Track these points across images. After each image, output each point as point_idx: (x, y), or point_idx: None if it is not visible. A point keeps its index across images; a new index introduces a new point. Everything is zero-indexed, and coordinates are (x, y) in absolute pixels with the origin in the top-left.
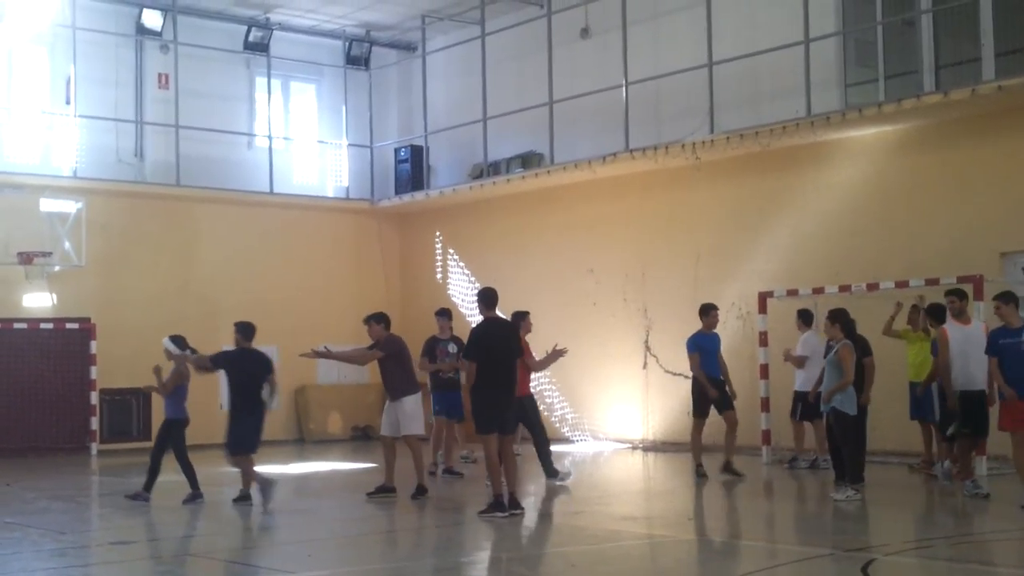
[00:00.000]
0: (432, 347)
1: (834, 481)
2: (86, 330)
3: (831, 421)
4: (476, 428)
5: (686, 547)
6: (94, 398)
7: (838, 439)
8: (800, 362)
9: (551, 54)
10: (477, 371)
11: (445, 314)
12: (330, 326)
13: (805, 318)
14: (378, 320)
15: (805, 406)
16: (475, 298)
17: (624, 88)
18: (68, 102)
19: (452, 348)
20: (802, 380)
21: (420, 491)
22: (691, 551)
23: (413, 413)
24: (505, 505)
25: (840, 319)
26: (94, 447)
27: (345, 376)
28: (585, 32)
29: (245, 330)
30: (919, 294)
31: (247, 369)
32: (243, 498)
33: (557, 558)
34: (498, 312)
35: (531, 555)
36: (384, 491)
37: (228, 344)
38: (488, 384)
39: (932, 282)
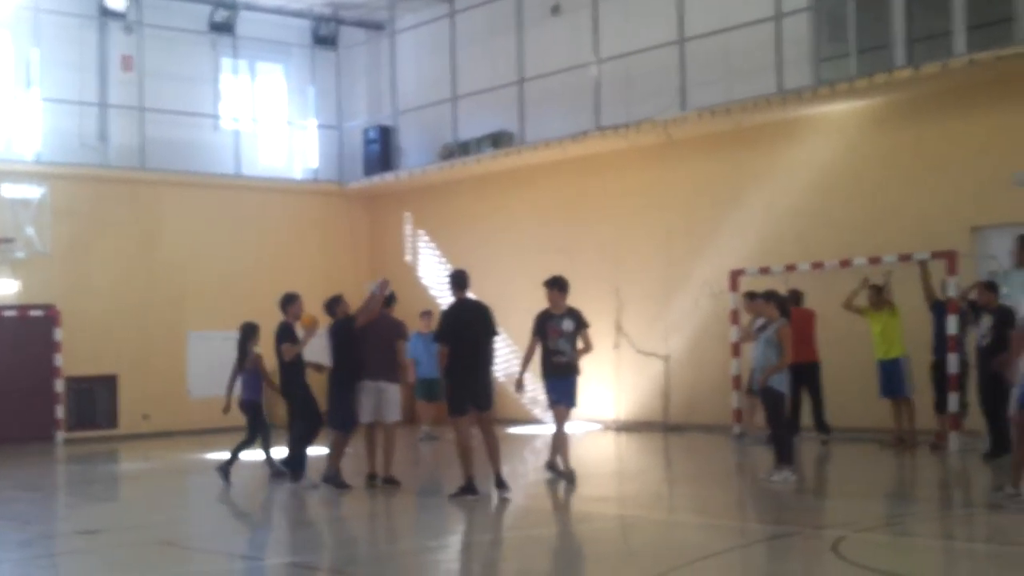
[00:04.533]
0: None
1: (775, 463)
2: (51, 317)
3: (765, 400)
4: (448, 410)
5: (657, 527)
6: (59, 386)
7: (771, 419)
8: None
9: (521, 32)
10: (449, 353)
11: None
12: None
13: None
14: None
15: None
16: (447, 280)
17: (595, 66)
18: (30, 85)
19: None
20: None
21: (391, 482)
22: (663, 531)
23: (396, 399)
24: (476, 487)
25: (775, 298)
26: (59, 436)
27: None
28: (556, 10)
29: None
30: (886, 269)
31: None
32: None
33: (528, 540)
34: (469, 294)
35: (501, 537)
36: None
37: (200, 328)
38: (458, 366)
39: (905, 258)
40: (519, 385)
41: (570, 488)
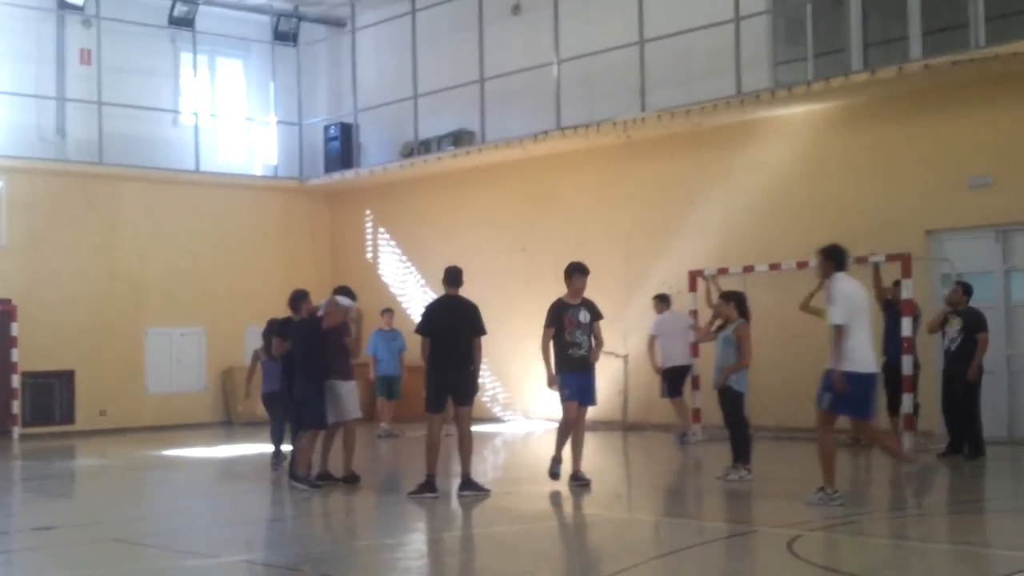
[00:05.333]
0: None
1: (732, 462)
2: (7, 312)
3: (724, 399)
4: (425, 404)
5: (615, 526)
6: (15, 381)
7: (730, 418)
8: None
9: (482, 31)
10: (428, 348)
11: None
12: (256, 306)
13: (664, 300)
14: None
15: (670, 383)
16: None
17: (556, 66)
18: None
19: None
20: (667, 357)
21: (353, 478)
22: (620, 529)
23: (354, 396)
24: (435, 486)
25: (735, 298)
26: (16, 431)
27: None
28: (516, 9)
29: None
30: None
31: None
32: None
33: (485, 538)
34: (459, 291)
35: (458, 535)
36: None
37: (158, 325)
38: (436, 361)
39: (860, 260)
40: (552, 381)
41: (582, 493)
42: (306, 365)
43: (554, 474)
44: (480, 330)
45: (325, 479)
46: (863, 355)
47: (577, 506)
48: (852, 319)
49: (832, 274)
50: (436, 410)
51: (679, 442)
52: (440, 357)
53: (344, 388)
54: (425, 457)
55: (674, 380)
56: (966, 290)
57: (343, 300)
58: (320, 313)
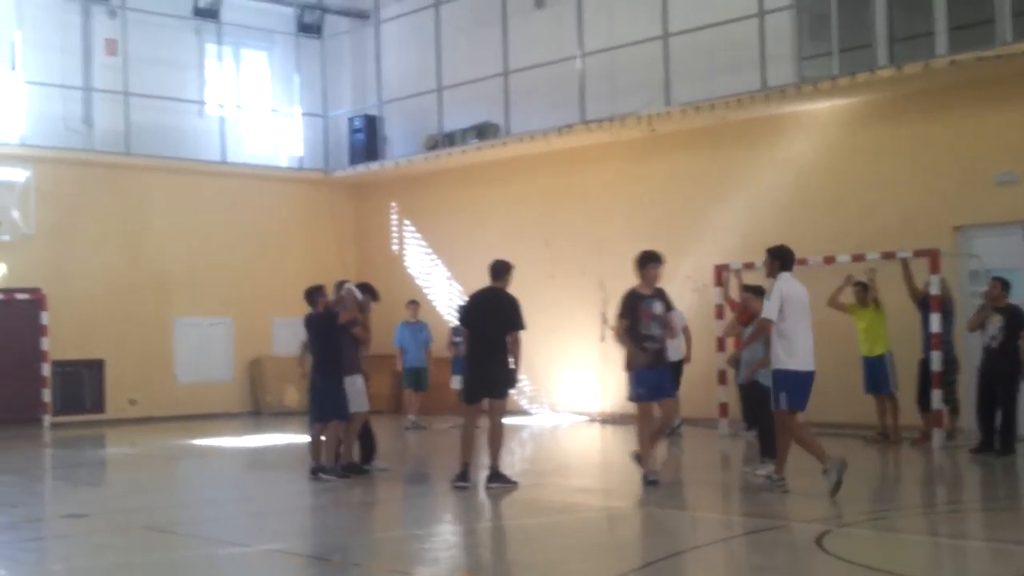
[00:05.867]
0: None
1: (760, 456)
2: (36, 301)
3: (751, 394)
4: (461, 396)
5: (643, 519)
6: (46, 370)
7: (758, 413)
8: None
9: (506, 24)
10: (467, 339)
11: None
12: (283, 297)
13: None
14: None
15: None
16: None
17: (579, 59)
18: (14, 68)
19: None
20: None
21: (352, 468)
22: (648, 523)
23: (361, 390)
24: (468, 475)
25: (760, 293)
26: (46, 419)
27: None
28: (540, 2)
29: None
30: (871, 267)
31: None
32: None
33: (514, 530)
34: (501, 284)
35: (487, 527)
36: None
37: (186, 314)
38: (472, 354)
39: (888, 256)
40: (632, 364)
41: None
42: (325, 358)
43: (651, 482)
44: (517, 325)
45: (351, 470)
46: (804, 355)
47: (604, 499)
48: (794, 319)
49: (777, 273)
50: (470, 401)
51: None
52: (475, 350)
53: (351, 382)
54: (460, 448)
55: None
56: (1004, 285)
57: (357, 293)
58: (335, 298)
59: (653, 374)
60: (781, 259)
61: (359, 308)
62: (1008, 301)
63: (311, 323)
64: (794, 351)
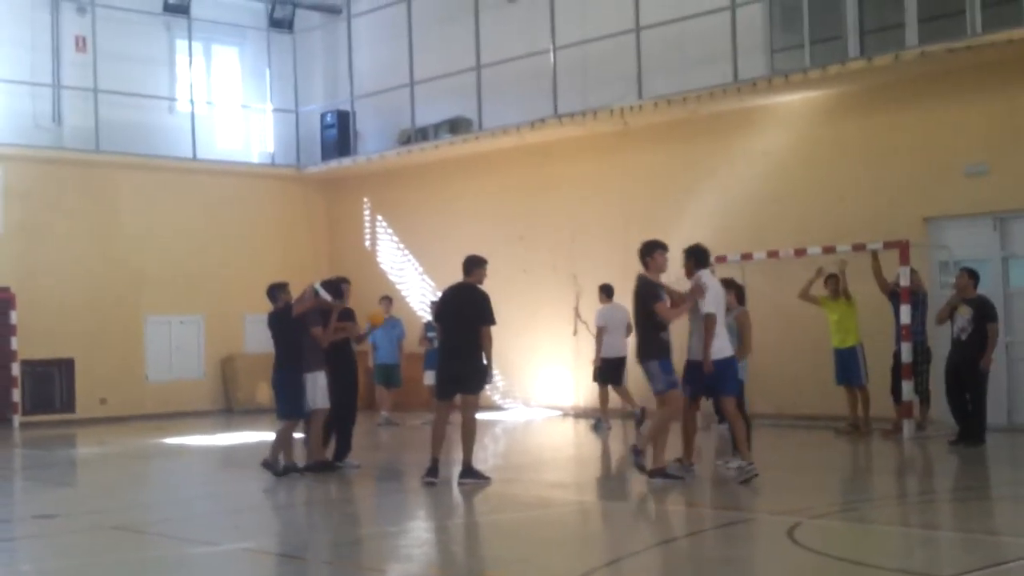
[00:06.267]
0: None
1: (732, 450)
2: (6, 300)
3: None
4: (433, 391)
5: (615, 513)
6: (15, 369)
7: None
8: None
9: (478, 18)
10: (438, 335)
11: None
12: (255, 294)
13: (607, 291)
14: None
15: (605, 371)
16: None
17: (552, 53)
18: None
19: None
20: (605, 348)
21: (321, 466)
22: (620, 517)
23: (322, 386)
24: (437, 471)
25: (734, 286)
26: (16, 419)
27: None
28: None
29: None
30: (842, 259)
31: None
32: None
33: (488, 526)
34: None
35: (460, 523)
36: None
37: (157, 312)
38: (443, 349)
39: (859, 247)
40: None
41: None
42: (285, 355)
43: (676, 477)
44: (487, 320)
45: (319, 467)
46: (723, 343)
47: (577, 494)
48: (720, 313)
49: (695, 272)
50: (442, 397)
51: (596, 427)
52: (446, 345)
53: (315, 379)
54: (431, 443)
55: (615, 371)
56: (971, 275)
57: (321, 291)
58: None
59: (671, 364)
60: (697, 257)
61: (329, 309)
62: (977, 292)
63: (271, 320)
64: (720, 340)
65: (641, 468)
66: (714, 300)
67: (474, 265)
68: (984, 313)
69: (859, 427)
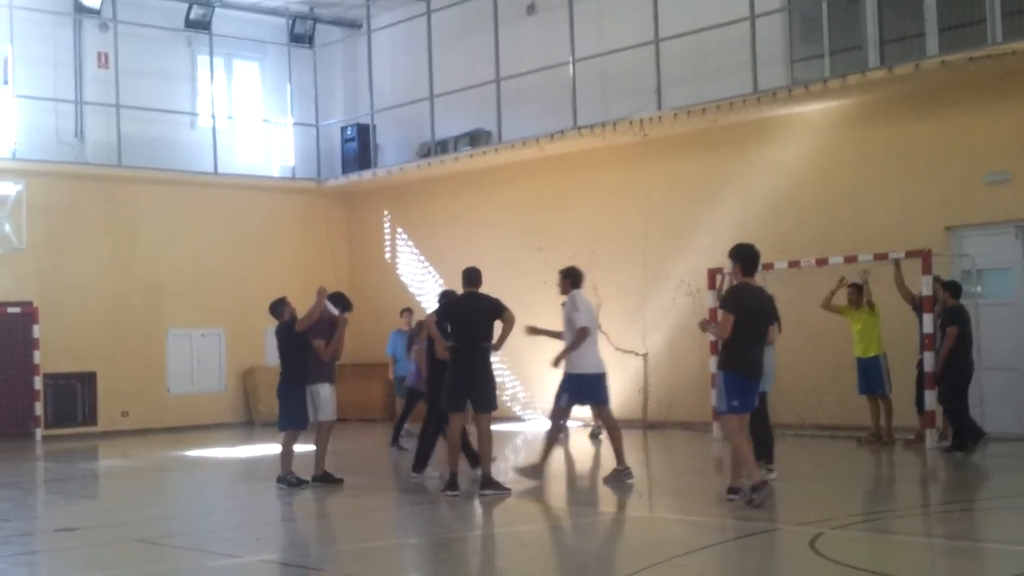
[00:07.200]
0: None
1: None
2: (28, 314)
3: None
4: (445, 403)
5: (637, 524)
6: (38, 383)
7: (757, 418)
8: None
9: (497, 31)
10: (450, 347)
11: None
12: None
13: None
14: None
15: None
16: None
17: (571, 65)
18: (5, 82)
19: None
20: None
21: (326, 478)
22: (642, 528)
23: (330, 398)
24: (458, 484)
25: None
26: (38, 433)
27: None
28: (531, 9)
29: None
30: (864, 268)
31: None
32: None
33: (507, 537)
34: (480, 289)
35: (479, 535)
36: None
37: (179, 326)
38: (454, 362)
39: (880, 257)
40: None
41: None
42: (287, 368)
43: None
44: (502, 309)
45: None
46: (595, 359)
47: (597, 505)
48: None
49: (570, 291)
50: (455, 409)
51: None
52: (458, 358)
53: (317, 391)
54: (447, 456)
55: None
56: (945, 287)
57: (328, 305)
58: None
59: (751, 384)
60: (572, 278)
61: (335, 323)
62: (957, 302)
63: (277, 332)
64: (590, 357)
65: (750, 502)
66: (587, 315)
67: (470, 276)
68: (946, 318)
69: (881, 437)
